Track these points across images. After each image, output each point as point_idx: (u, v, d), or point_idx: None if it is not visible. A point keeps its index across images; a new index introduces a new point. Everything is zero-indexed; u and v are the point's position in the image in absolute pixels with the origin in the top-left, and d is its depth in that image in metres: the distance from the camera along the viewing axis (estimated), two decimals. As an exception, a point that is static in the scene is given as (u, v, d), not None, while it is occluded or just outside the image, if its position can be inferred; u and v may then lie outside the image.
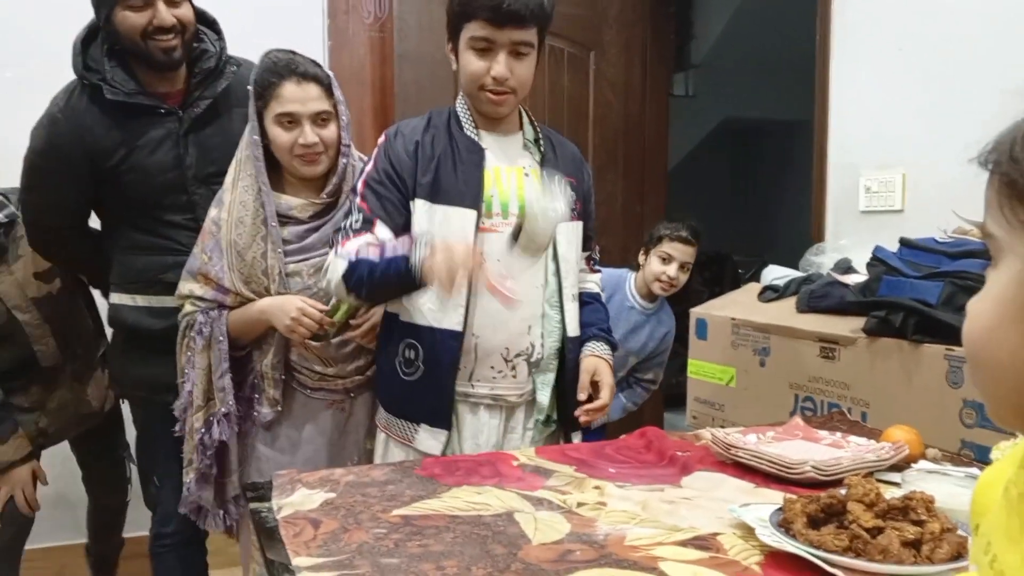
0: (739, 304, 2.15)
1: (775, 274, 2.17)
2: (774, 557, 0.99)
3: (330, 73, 1.69)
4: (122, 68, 1.82)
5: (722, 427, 1.65)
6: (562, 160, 1.64)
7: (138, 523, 2.46)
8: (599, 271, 1.79)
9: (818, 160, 2.58)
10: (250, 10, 2.69)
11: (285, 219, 1.70)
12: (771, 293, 2.09)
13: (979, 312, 0.49)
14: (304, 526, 1.09)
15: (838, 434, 1.47)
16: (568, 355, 1.61)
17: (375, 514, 1.13)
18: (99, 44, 1.83)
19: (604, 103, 3.30)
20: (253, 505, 1.19)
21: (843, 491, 1.05)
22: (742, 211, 6.72)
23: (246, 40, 2.52)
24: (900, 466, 1.31)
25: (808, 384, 1.86)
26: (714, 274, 5.53)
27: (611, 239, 3.35)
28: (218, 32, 1.94)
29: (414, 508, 1.16)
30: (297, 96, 1.62)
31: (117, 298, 1.93)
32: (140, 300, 1.88)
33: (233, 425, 1.71)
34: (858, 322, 1.79)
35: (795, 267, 2.26)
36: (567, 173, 1.58)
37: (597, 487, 1.26)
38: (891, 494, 1.06)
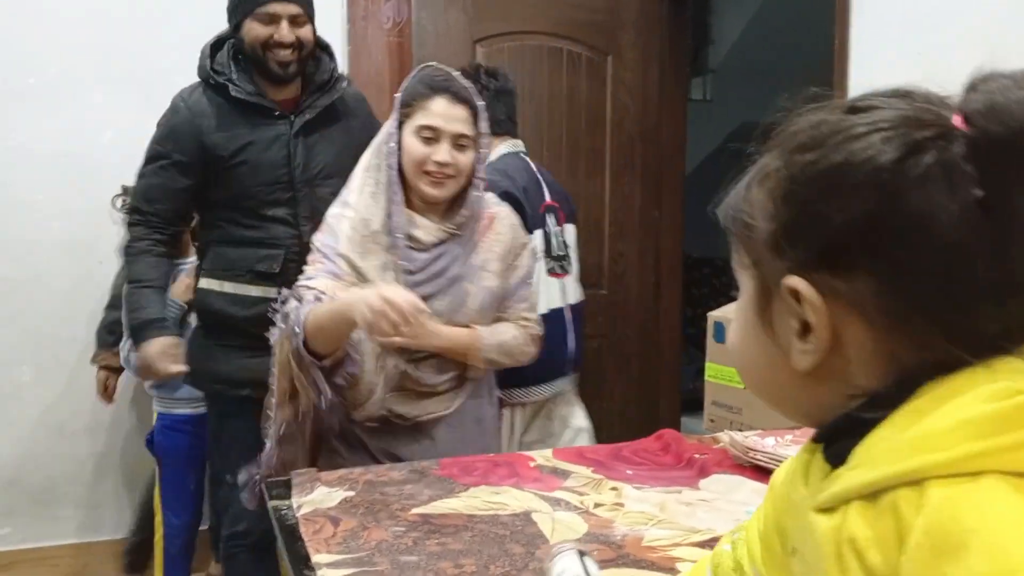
0: (757, 308, 2.14)
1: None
2: (793, 559, 0.99)
3: (481, 104, 1.62)
4: (245, 73, 2.00)
5: (740, 430, 1.64)
6: None
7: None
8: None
9: (836, 164, 2.57)
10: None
11: (408, 240, 1.58)
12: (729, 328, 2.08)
13: (730, 329, 0.62)
14: (324, 524, 1.10)
15: (857, 438, 1.46)
16: None
17: (394, 512, 1.14)
18: (226, 51, 2.03)
19: (621, 107, 3.30)
20: (273, 503, 1.20)
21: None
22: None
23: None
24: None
25: (826, 388, 1.85)
26: (731, 279, 5.50)
27: (628, 243, 3.35)
28: (331, 55, 2.12)
29: (432, 507, 1.17)
30: (445, 112, 1.56)
31: (205, 283, 2.01)
32: (228, 287, 1.97)
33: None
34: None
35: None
36: None
37: (614, 488, 1.26)
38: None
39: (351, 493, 1.22)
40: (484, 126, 1.62)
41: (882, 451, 0.49)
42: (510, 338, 1.67)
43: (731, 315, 2.09)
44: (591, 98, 3.23)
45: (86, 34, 2.64)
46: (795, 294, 0.52)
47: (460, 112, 1.57)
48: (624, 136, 3.31)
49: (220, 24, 2.71)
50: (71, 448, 2.69)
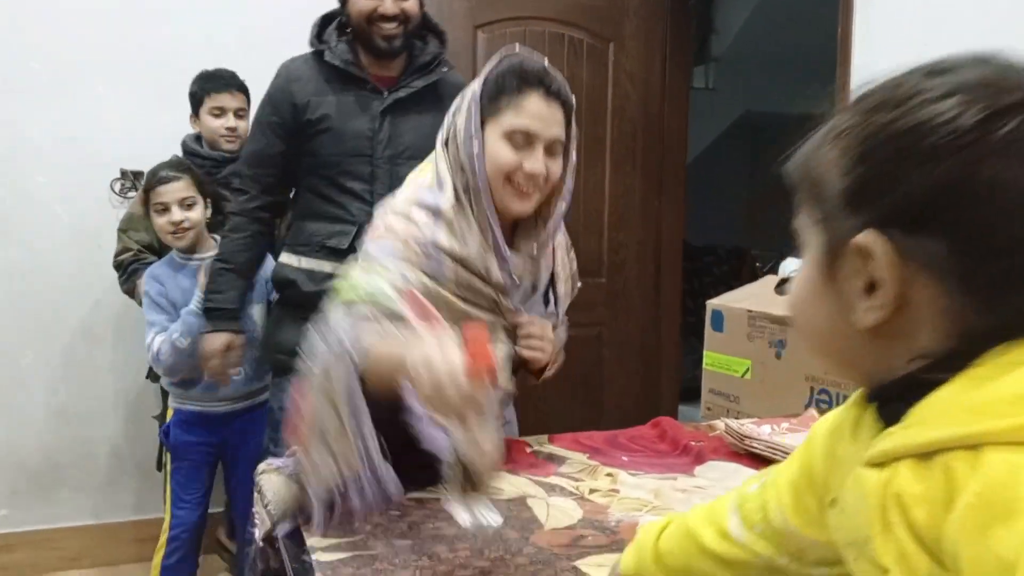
0: (756, 296, 2.14)
1: (793, 267, 2.17)
2: (785, 545, 0.99)
3: (573, 100, 1.35)
4: (348, 45, 2.00)
5: (736, 419, 1.64)
6: None
7: (154, 506, 2.51)
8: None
9: (838, 153, 2.57)
10: (268, 15, 2.72)
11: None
12: (788, 286, 2.08)
13: (793, 289, 0.61)
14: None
15: (853, 426, 1.47)
16: None
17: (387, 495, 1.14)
18: (334, 24, 2.05)
19: (623, 95, 3.29)
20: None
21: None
22: (760, 205, 6.69)
23: (262, 43, 2.58)
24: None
25: (824, 376, 1.85)
26: (732, 268, 5.51)
27: (628, 232, 3.35)
28: (443, 41, 2.11)
29: (427, 492, 1.17)
30: (543, 114, 1.28)
31: (285, 257, 2.02)
32: (304, 262, 1.96)
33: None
34: (875, 315, 1.78)
35: (813, 260, 2.25)
36: None
37: (610, 475, 1.27)
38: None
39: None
40: (575, 129, 1.35)
41: (940, 413, 0.49)
42: (559, 341, 1.49)
43: (729, 303, 2.09)
44: (593, 85, 3.22)
45: (89, 23, 2.64)
46: (864, 251, 0.52)
47: (557, 113, 1.30)
48: (626, 124, 3.31)
49: (225, 11, 2.73)
50: (73, 431, 2.71)
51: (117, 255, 2.40)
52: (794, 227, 0.61)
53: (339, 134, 1.96)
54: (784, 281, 2.11)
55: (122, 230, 2.42)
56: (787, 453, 1.28)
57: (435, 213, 1.27)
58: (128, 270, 2.37)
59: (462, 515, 0.96)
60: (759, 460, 1.33)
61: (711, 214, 5.93)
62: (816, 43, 3.74)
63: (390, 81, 2.02)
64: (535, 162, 1.28)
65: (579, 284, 1.59)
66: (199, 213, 2.22)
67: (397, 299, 1.17)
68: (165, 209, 2.18)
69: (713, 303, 2.16)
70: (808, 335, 0.61)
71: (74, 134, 2.63)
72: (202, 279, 2.11)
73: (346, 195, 1.96)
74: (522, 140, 1.28)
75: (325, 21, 2.07)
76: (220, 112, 2.46)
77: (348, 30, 2.02)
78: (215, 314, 2.06)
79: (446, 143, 1.33)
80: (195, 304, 2.11)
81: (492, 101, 1.29)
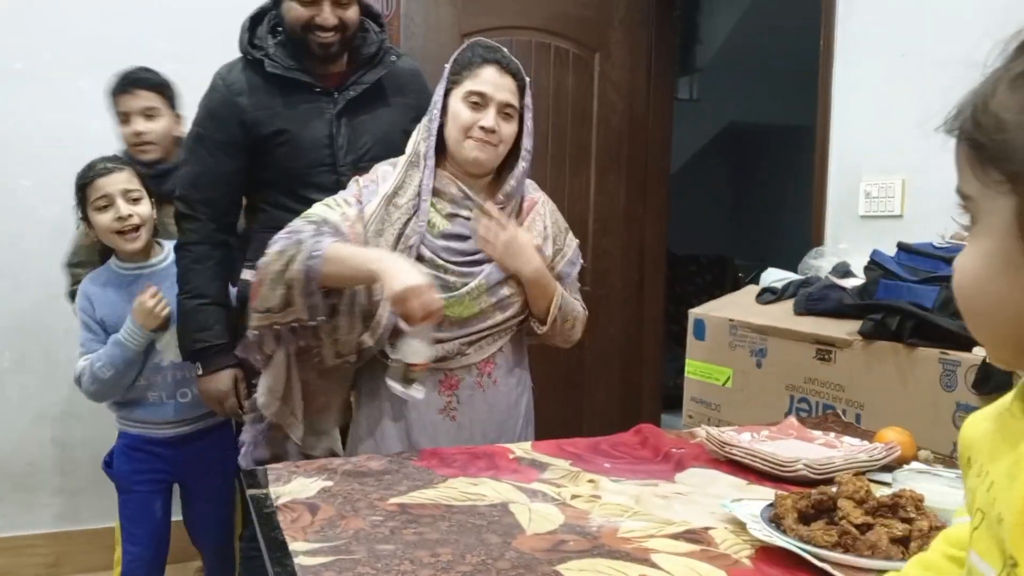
0: (737, 305, 2.16)
1: (774, 276, 2.19)
2: (765, 552, 1.01)
3: (528, 80, 1.67)
4: (284, 48, 1.89)
5: (718, 426, 1.66)
6: None
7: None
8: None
9: (819, 165, 2.60)
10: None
11: (454, 210, 1.63)
12: (769, 295, 2.11)
13: (967, 268, 0.53)
14: (302, 512, 1.10)
15: (832, 434, 1.48)
16: None
17: (372, 502, 1.15)
18: (266, 24, 1.92)
19: (608, 104, 3.31)
20: (251, 492, 1.20)
21: (834, 488, 1.07)
22: (744, 215, 6.74)
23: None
24: (891, 466, 1.33)
25: (804, 385, 1.87)
26: (715, 277, 5.55)
27: (612, 240, 3.37)
28: (381, 25, 2.00)
29: (410, 497, 1.17)
30: (496, 81, 1.60)
31: (249, 275, 1.86)
32: None
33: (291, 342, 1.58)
34: (855, 325, 1.80)
35: (795, 270, 2.28)
36: None
37: (591, 480, 1.28)
38: (882, 493, 1.07)
39: (329, 483, 1.22)
40: (529, 101, 1.66)
41: None
42: (572, 308, 1.73)
43: (711, 311, 2.10)
44: (578, 94, 3.25)
45: (74, 19, 2.63)
46: None
47: (508, 82, 1.61)
48: (610, 133, 3.33)
49: (213, 9, 2.69)
50: (51, 435, 2.69)
51: (73, 284, 2.18)
52: (960, 193, 0.53)
53: (296, 147, 1.87)
54: (766, 291, 2.13)
55: (71, 265, 2.21)
56: (765, 460, 1.30)
57: (393, 165, 1.66)
58: None
59: (398, 389, 1.44)
60: (739, 467, 1.34)
61: (694, 224, 5.97)
62: (799, 55, 3.78)
63: (337, 79, 1.92)
64: (488, 118, 1.59)
65: (575, 271, 1.78)
66: (147, 209, 1.96)
67: (342, 223, 1.57)
68: (108, 204, 1.91)
69: (695, 312, 2.18)
70: (992, 321, 0.52)
71: (59, 135, 2.62)
72: (146, 298, 1.88)
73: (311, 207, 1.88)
74: (478, 101, 1.59)
75: (254, 22, 1.93)
76: (125, 118, 2.20)
77: (280, 30, 1.90)
78: (210, 352, 1.90)
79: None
80: (124, 332, 1.90)
81: (455, 74, 1.63)
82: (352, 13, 1.88)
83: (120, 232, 1.92)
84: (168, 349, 1.99)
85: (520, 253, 1.61)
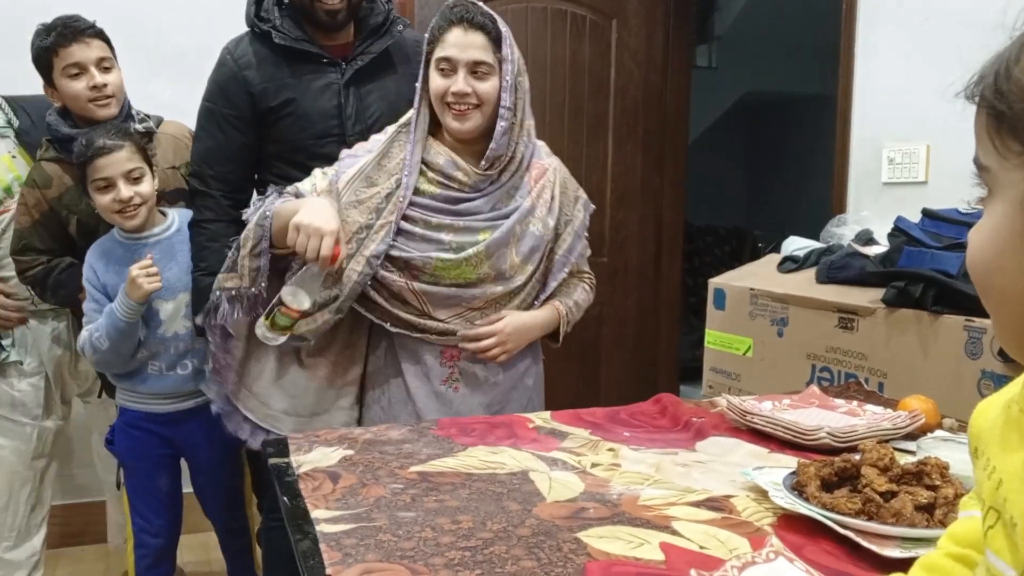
0: (758, 275, 2.14)
1: (795, 245, 2.16)
2: (787, 519, 1.00)
3: (503, 29, 1.60)
4: (291, 19, 1.88)
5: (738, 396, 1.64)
6: None
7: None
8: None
9: (841, 132, 2.56)
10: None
11: (444, 179, 1.62)
12: (790, 264, 2.08)
13: (980, 242, 0.51)
14: (323, 480, 1.11)
15: (854, 403, 1.47)
16: None
17: (392, 470, 1.15)
18: None
19: (625, 73, 3.27)
20: (272, 461, 1.21)
21: (857, 456, 1.06)
22: (763, 185, 6.68)
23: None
24: (915, 435, 1.31)
25: (825, 354, 1.86)
26: (733, 248, 5.51)
27: (629, 212, 3.34)
28: None
29: (430, 466, 1.18)
30: (460, 42, 1.56)
31: None
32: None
33: (244, 310, 1.63)
34: (877, 293, 1.78)
35: (817, 239, 2.25)
36: None
37: (611, 449, 1.27)
38: (906, 461, 1.06)
39: (350, 452, 1.23)
40: (508, 52, 1.59)
41: None
42: (580, 292, 1.78)
43: (731, 281, 2.08)
44: (594, 63, 3.21)
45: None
46: None
47: (476, 39, 1.56)
48: (627, 102, 3.29)
49: None
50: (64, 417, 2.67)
51: (23, 272, 2.05)
52: (977, 163, 0.51)
53: (305, 117, 1.86)
54: (787, 259, 2.11)
55: (16, 252, 2.05)
56: (788, 428, 1.29)
57: (387, 134, 1.68)
58: (51, 281, 2.04)
59: (259, 327, 1.57)
60: (760, 436, 1.33)
61: (712, 194, 5.92)
62: (819, 23, 3.71)
63: (344, 49, 1.91)
64: (458, 82, 1.56)
65: (583, 239, 1.80)
66: (149, 186, 1.91)
67: (310, 190, 1.65)
68: (109, 186, 1.85)
69: (715, 281, 2.16)
70: (997, 300, 0.50)
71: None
72: (134, 268, 1.83)
73: None
74: (447, 67, 1.57)
75: None
76: (78, 70, 1.97)
77: (285, 2, 1.90)
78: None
79: None
80: (118, 302, 1.85)
81: (429, 44, 1.60)
82: None
83: (119, 212, 1.88)
84: (172, 321, 1.95)
85: (524, 328, 1.67)
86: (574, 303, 1.76)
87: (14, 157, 2.20)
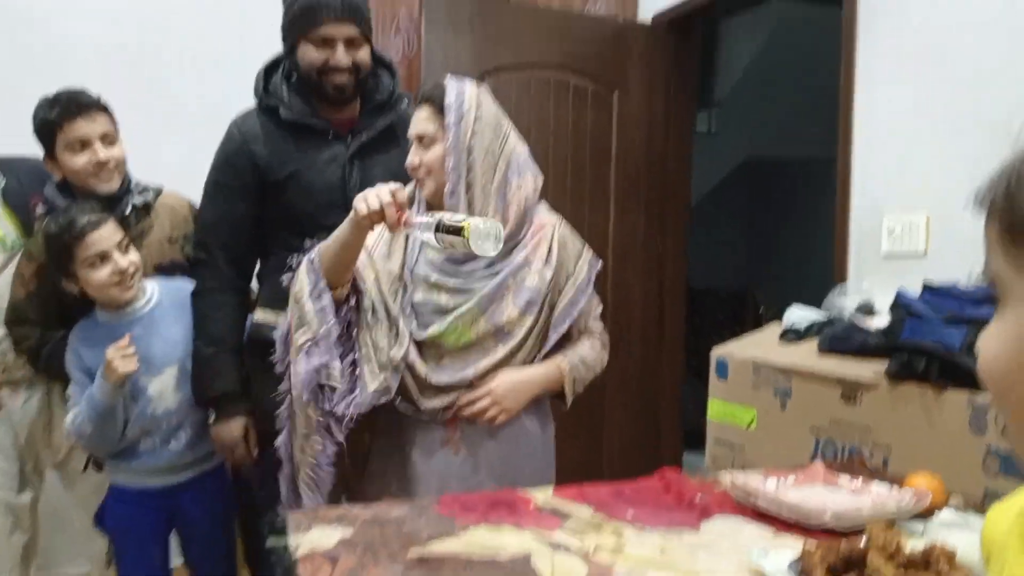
0: (760, 345, 2.14)
1: (798, 314, 2.16)
2: (793, 607, 0.98)
3: (451, 97, 1.61)
4: (299, 95, 1.94)
5: (742, 468, 1.63)
6: None
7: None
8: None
9: (840, 201, 2.58)
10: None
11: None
12: (793, 335, 2.08)
13: (995, 351, 0.50)
14: (322, 564, 1.09)
15: (859, 480, 1.45)
16: None
17: (393, 552, 1.13)
18: (280, 73, 1.98)
19: (627, 140, 3.32)
20: (270, 542, 1.19)
21: (864, 539, 1.04)
22: (763, 249, 6.71)
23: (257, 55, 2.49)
24: (923, 513, 1.30)
25: (829, 427, 1.84)
26: (735, 312, 5.51)
27: (631, 275, 3.35)
28: (393, 73, 2.06)
29: (431, 548, 1.16)
30: (414, 118, 1.66)
31: (261, 316, 1.91)
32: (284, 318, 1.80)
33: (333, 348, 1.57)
34: (880, 365, 1.77)
35: (817, 306, 2.25)
36: None
37: (615, 530, 1.25)
38: (913, 543, 1.05)
39: (349, 532, 1.21)
40: (452, 117, 1.60)
41: None
42: (588, 349, 1.75)
43: (734, 351, 2.08)
44: (597, 131, 3.26)
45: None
46: None
47: (421, 112, 1.65)
48: (629, 168, 3.33)
49: (216, 31, 2.59)
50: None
51: (19, 343, 2.04)
52: (988, 271, 0.51)
53: (309, 189, 1.90)
54: (790, 331, 2.10)
55: (10, 322, 2.04)
56: (792, 512, 1.27)
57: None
58: (47, 356, 2.01)
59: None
60: (766, 516, 1.32)
61: (712, 257, 5.95)
62: (819, 88, 3.78)
63: (349, 123, 1.97)
64: (410, 155, 1.66)
65: (590, 295, 1.76)
66: (137, 254, 1.90)
67: None
68: (104, 258, 1.82)
69: (717, 352, 2.16)
70: (1014, 411, 0.49)
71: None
72: (110, 351, 1.78)
73: None
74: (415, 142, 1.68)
75: (268, 71, 1.99)
76: (82, 145, 1.94)
77: (293, 78, 1.96)
78: (225, 400, 1.91)
79: None
80: (96, 385, 1.80)
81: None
82: (364, 54, 1.93)
83: (118, 284, 1.85)
84: (161, 397, 1.91)
85: (519, 383, 1.64)
86: (580, 359, 1.72)
87: None
